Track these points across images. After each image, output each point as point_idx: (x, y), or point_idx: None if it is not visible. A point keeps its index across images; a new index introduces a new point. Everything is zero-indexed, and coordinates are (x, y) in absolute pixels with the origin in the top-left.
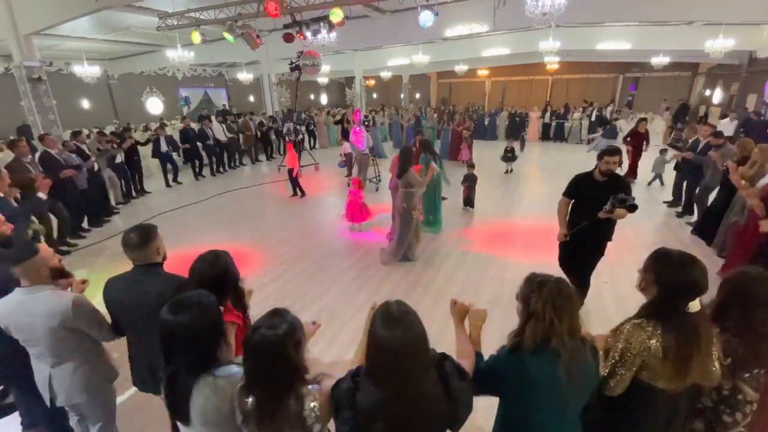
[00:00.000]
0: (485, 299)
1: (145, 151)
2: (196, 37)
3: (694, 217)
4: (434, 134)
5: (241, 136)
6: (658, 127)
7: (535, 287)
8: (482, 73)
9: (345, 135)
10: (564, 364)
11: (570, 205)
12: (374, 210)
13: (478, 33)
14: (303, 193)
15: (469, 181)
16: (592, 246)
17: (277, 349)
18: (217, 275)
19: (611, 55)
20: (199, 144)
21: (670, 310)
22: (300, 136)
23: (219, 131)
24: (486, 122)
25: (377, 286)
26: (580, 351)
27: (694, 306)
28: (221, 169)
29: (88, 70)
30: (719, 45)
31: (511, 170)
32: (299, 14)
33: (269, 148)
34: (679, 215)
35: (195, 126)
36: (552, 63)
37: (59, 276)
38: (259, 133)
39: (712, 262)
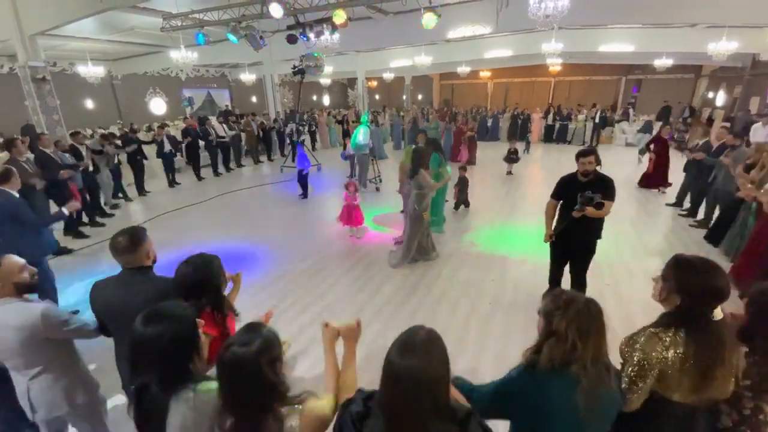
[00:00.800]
0: (486, 300)
1: (148, 152)
2: (200, 38)
3: (697, 219)
4: (438, 135)
5: (242, 135)
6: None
7: (561, 305)
8: (484, 74)
9: (346, 135)
10: (584, 391)
11: (558, 207)
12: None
13: (481, 35)
14: (305, 194)
15: (461, 184)
16: (582, 245)
17: (251, 368)
18: (198, 280)
19: (614, 57)
20: (201, 143)
21: (695, 319)
22: (303, 137)
23: (220, 129)
24: (489, 123)
25: (378, 286)
26: (603, 378)
27: (717, 314)
28: (221, 170)
29: (92, 71)
30: (722, 47)
31: (511, 172)
32: (302, 15)
33: (269, 149)
34: (685, 216)
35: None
36: (554, 65)
37: (27, 290)
38: (260, 133)
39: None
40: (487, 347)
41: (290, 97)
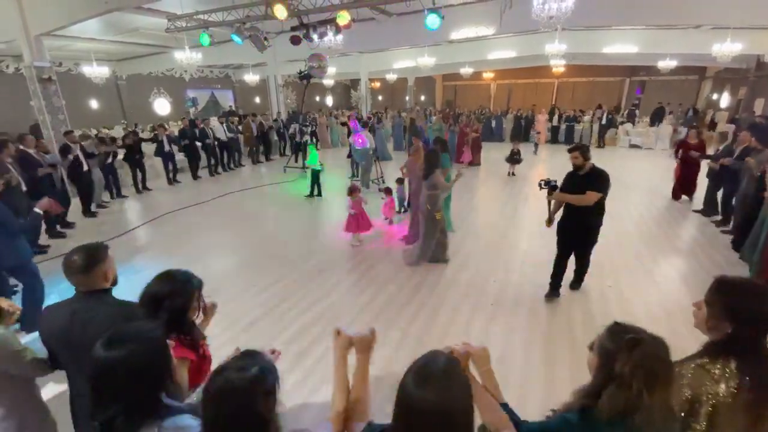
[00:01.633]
0: (489, 301)
1: (149, 151)
2: (205, 39)
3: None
4: (441, 136)
5: (241, 136)
6: (664, 131)
7: (623, 346)
8: (488, 75)
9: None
10: None
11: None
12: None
13: (484, 36)
14: (312, 195)
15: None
16: (580, 233)
17: (244, 398)
18: (162, 297)
19: (618, 58)
20: (198, 144)
21: (749, 348)
22: (305, 138)
23: (219, 130)
24: (493, 124)
25: (381, 287)
26: (671, 430)
27: None
28: (219, 170)
29: (96, 71)
30: (727, 49)
31: (514, 173)
32: (306, 17)
33: (267, 149)
34: (718, 224)
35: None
36: (558, 66)
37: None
38: (260, 134)
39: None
40: (490, 348)
41: (293, 98)
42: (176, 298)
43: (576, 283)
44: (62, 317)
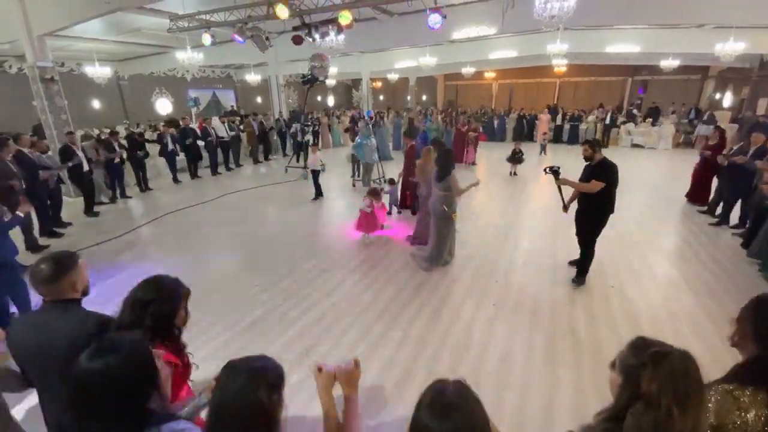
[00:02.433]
0: (490, 302)
1: (153, 151)
2: (206, 39)
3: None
4: (440, 136)
5: (242, 135)
6: (667, 131)
7: (648, 361)
8: (489, 75)
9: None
10: None
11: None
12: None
13: (486, 35)
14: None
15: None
16: (581, 219)
17: (246, 383)
18: (147, 302)
19: (620, 57)
20: (200, 143)
21: None
22: (307, 138)
23: (221, 129)
24: (495, 124)
25: (383, 286)
26: None
27: None
28: (220, 170)
29: (99, 71)
30: (729, 48)
31: (515, 173)
32: (308, 16)
33: (267, 149)
34: (717, 224)
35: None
36: (560, 66)
37: None
38: (260, 133)
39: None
40: (492, 349)
41: (295, 98)
42: (163, 305)
43: (577, 277)
44: (29, 328)
